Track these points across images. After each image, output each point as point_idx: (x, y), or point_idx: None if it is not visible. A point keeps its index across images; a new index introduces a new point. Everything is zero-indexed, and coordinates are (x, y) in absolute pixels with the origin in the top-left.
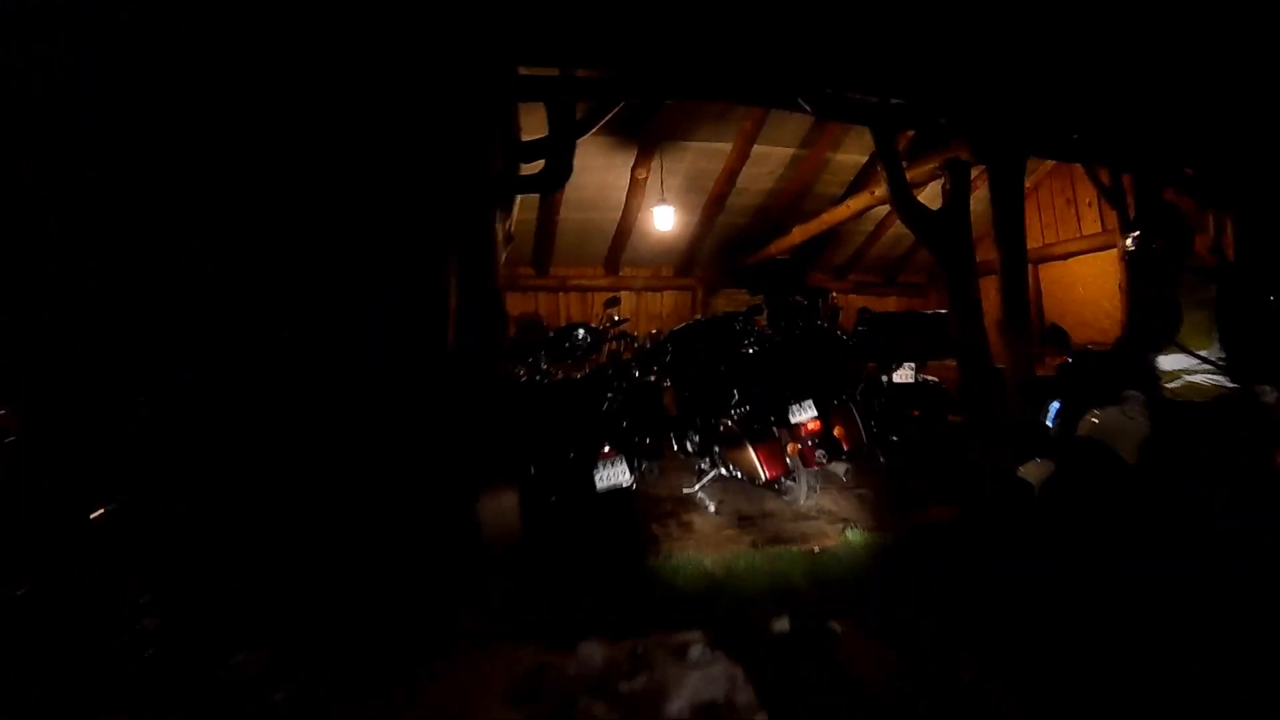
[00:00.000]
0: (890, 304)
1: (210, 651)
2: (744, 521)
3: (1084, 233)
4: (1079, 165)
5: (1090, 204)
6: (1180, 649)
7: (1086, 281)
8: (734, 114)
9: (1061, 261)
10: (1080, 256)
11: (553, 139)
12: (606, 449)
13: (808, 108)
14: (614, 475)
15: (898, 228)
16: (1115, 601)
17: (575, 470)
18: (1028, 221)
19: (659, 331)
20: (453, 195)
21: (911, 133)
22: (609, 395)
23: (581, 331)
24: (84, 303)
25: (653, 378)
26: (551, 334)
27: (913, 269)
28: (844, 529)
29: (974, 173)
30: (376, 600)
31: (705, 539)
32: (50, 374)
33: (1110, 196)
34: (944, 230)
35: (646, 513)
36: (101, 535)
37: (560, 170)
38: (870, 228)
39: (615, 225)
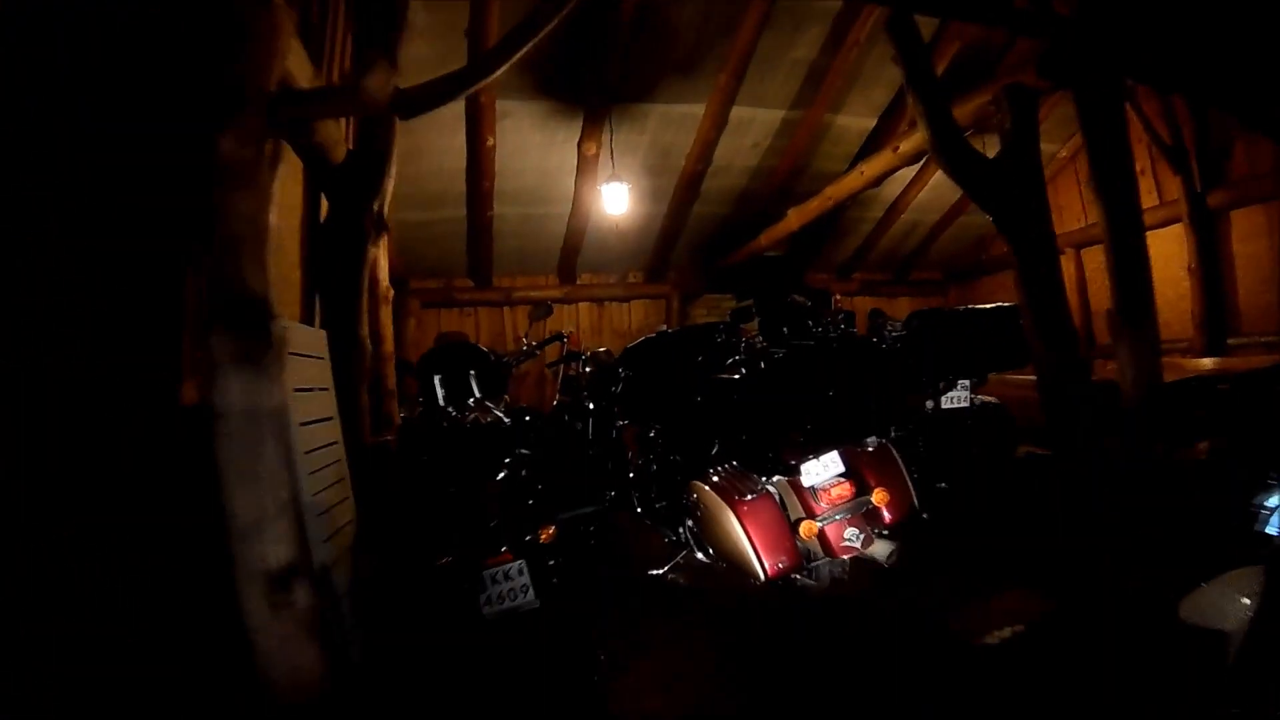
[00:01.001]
0: (902, 305)
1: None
2: (733, 638)
3: None
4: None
5: (1143, 172)
6: None
7: None
8: (705, 64)
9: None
10: None
11: None
12: (501, 550)
13: None
14: (509, 593)
15: (912, 213)
16: None
17: (447, 588)
18: (1062, 200)
19: (607, 351)
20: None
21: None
22: (508, 457)
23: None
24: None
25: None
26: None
27: (928, 264)
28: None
29: None
30: None
31: (674, 689)
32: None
33: (1173, 157)
34: (1005, 183)
35: (578, 630)
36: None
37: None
38: (879, 213)
39: (566, 221)
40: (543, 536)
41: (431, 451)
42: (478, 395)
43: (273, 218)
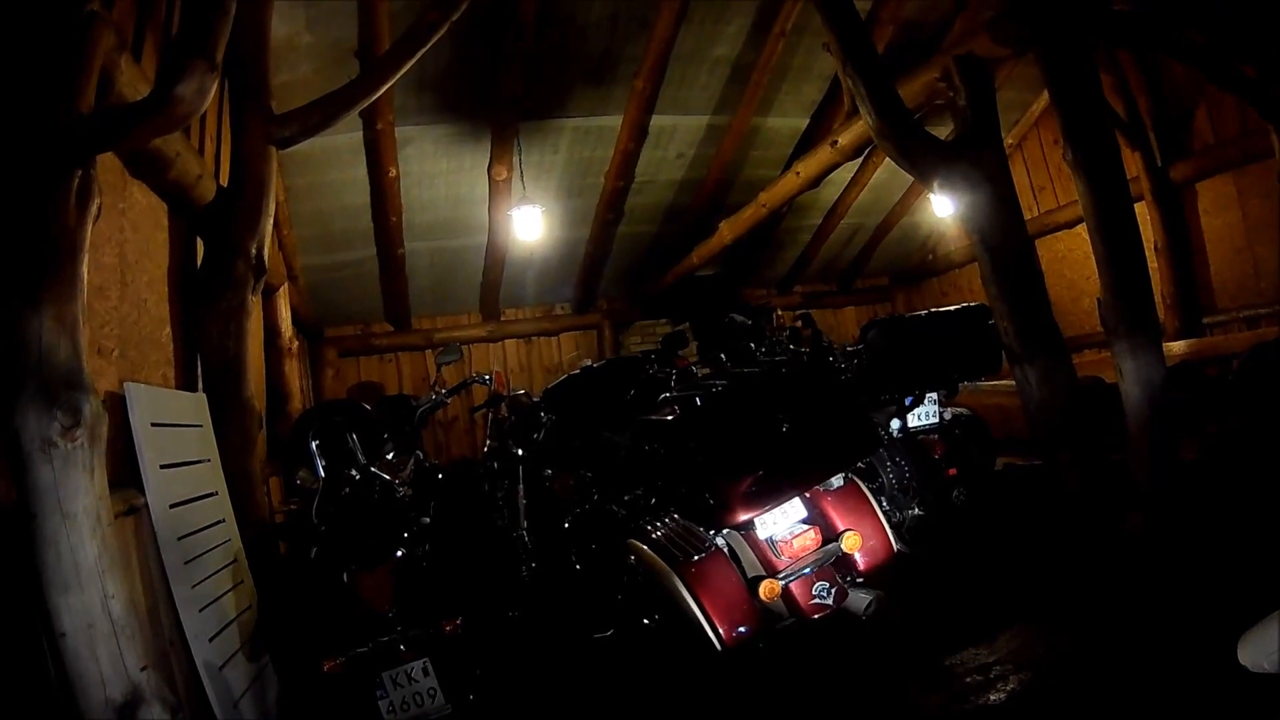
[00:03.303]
0: (848, 316)
1: None
2: None
3: None
4: None
5: None
6: None
7: None
8: (619, 70)
9: (1068, 231)
10: None
11: None
12: (400, 647)
13: None
14: (415, 698)
15: (852, 217)
16: None
17: (341, 696)
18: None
19: (526, 393)
20: None
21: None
22: (406, 532)
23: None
24: None
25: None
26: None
27: (872, 270)
28: None
29: None
30: None
31: None
32: None
33: (1129, 132)
34: (965, 166)
35: None
36: None
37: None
38: (818, 220)
39: (483, 253)
40: (446, 629)
41: (310, 531)
42: (362, 460)
43: (84, 269)
